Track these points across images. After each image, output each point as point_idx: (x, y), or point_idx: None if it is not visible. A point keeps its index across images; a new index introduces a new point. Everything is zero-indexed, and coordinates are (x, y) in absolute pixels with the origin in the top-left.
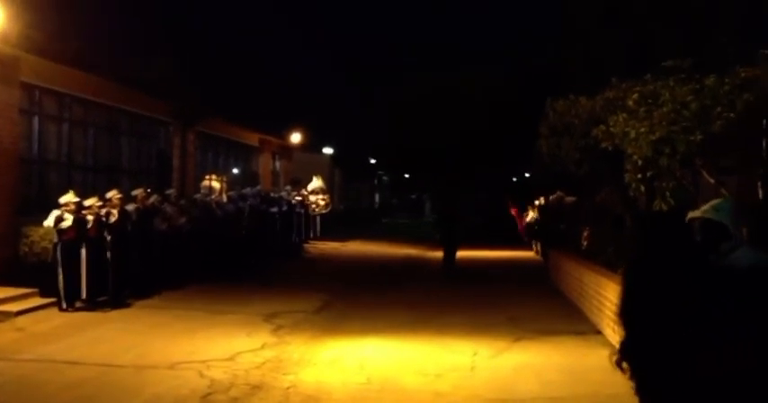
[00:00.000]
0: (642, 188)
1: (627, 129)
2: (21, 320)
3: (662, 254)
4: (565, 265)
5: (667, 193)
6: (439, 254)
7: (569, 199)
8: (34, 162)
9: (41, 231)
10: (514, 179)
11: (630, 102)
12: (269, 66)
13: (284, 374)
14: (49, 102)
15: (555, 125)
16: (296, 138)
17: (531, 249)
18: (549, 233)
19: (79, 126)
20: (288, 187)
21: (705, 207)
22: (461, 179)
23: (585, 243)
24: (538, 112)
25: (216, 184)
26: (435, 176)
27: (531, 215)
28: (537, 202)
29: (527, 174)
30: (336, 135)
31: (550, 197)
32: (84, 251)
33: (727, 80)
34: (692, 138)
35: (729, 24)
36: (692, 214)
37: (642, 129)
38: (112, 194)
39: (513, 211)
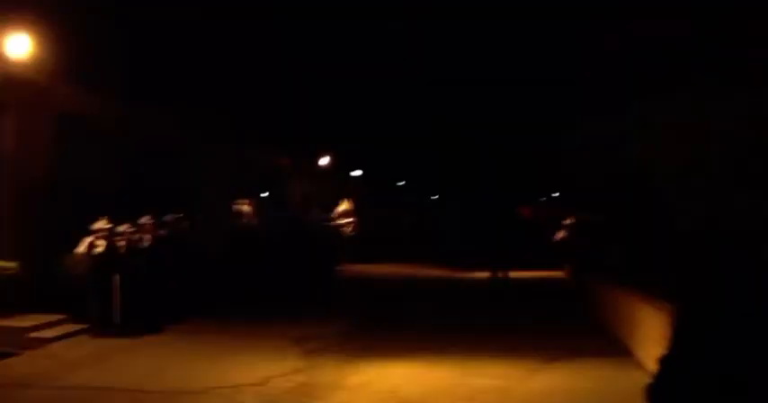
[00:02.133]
0: (673, 207)
1: (657, 148)
2: (53, 347)
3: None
4: (595, 286)
5: (695, 213)
6: (468, 275)
7: (598, 218)
8: (67, 188)
9: (75, 257)
10: (543, 199)
11: (660, 120)
12: (295, 88)
13: (315, 399)
14: (82, 129)
15: (582, 144)
16: (325, 160)
17: (560, 269)
18: (578, 253)
19: (111, 152)
20: (317, 210)
21: None
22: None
23: (615, 262)
24: (568, 132)
25: (246, 208)
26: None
27: (560, 234)
28: (566, 222)
29: (556, 194)
30: (365, 157)
31: (579, 216)
32: (117, 277)
33: (760, 96)
34: (724, 156)
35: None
36: None
37: (672, 148)
38: (145, 220)
39: (526, 213)
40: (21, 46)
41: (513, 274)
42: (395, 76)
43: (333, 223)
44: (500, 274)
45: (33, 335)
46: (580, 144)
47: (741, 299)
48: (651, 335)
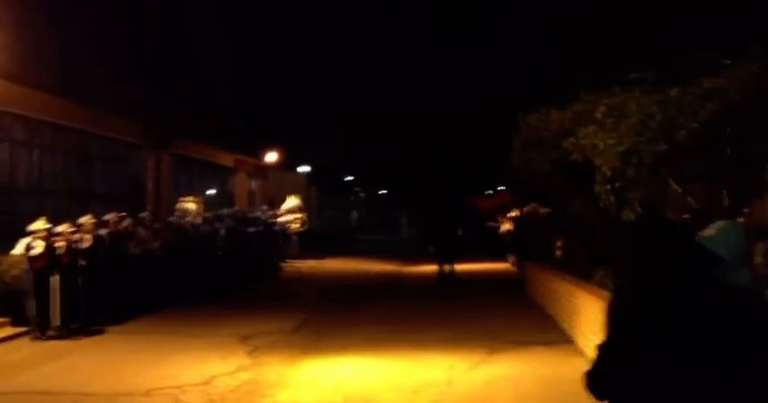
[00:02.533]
0: (612, 198)
1: (595, 141)
2: None
3: (666, 265)
4: (539, 276)
5: (636, 203)
6: (415, 269)
7: (543, 210)
8: (4, 190)
9: (12, 259)
10: (489, 192)
11: (599, 115)
12: (240, 87)
13: (261, 396)
14: (19, 128)
15: (527, 138)
16: (271, 157)
17: (506, 261)
18: (523, 244)
19: (50, 151)
20: (264, 207)
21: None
22: (451, 193)
23: (559, 253)
24: (512, 126)
25: (191, 206)
26: (416, 192)
27: (505, 227)
28: (511, 214)
29: (501, 188)
30: (312, 153)
31: (524, 209)
32: (56, 278)
33: (690, 90)
34: (658, 148)
35: (693, 35)
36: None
37: (610, 141)
38: (86, 220)
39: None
40: None
41: (460, 267)
42: (343, 70)
43: (280, 219)
44: (446, 267)
45: None
46: (529, 139)
47: (673, 286)
48: (591, 324)
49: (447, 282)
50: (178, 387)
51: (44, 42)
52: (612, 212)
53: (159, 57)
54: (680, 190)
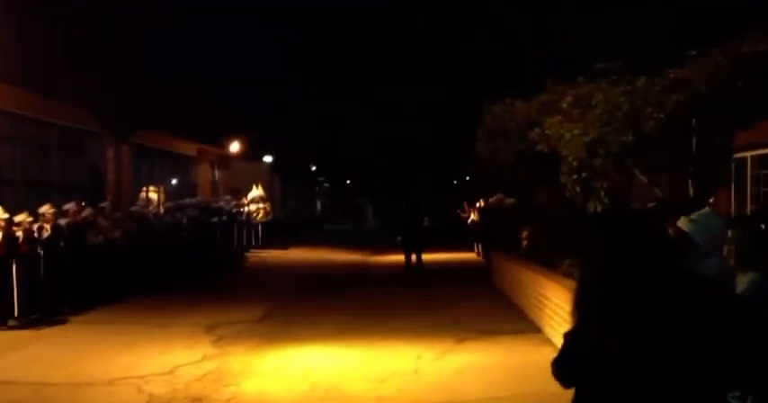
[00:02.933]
0: (578, 189)
1: (561, 132)
2: None
3: (632, 253)
4: (505, 266)
5: (602, 193)
6: (381, 258)
7: (509, 201)
8: None
9: None
10: (455, 182)
11: (565, 105)
12: (202, 75)
13: (225, 386)
14: None
15: (492, 129)
16: (234, 147)
17: (472, 251)
18: (489, 234)
19: (7, 141)
20: (227, 197)
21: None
22: (420, 183)
23: (525, 243)
24: (477, 116)
25: (153, 196)
26: (383, 182)
27: (471, 217)
28: (477, 204)
29: (467, 178)
30: (275, 143)
31: (490, 199)
32: (15, 268)
33: (657, 81)
34: (624, 138)
35: (658, 26)
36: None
37: (576, 131)
38: (45, 209)
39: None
40: None
41: (427, 257)
42: (309, 55)
43: (244, 209)
44: (414, 257)
45: None
46: (494, 130)
47: (641, 276)
48: (558, 312)
49: (414, 271)
50: (141, 377)
51: (2, 32)
52: (578, 203)
53: (119, 46)
54: (646, 180)
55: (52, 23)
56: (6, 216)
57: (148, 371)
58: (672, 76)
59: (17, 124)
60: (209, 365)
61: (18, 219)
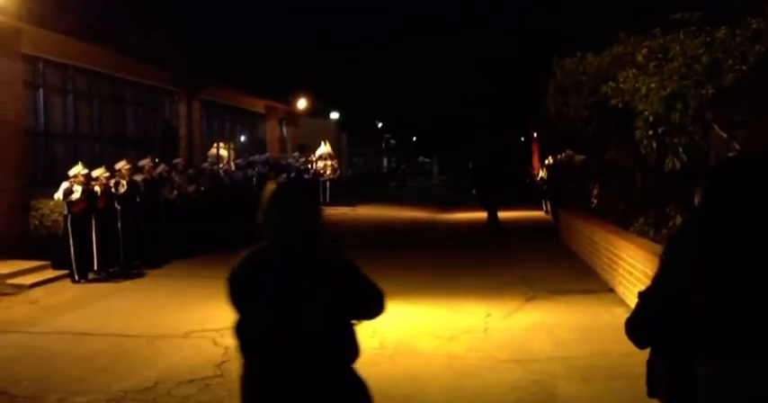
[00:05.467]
0: (654, 144)
1: (637, 85)
2: (34, 293)
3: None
4: (575, 224)
5: (680, 149)
6: (448, 216)
7: (579, 157)
8: (40, 134)
9: (51, 204)
10: (522, 139)
11: (640, 58)
12: (267, 32)
13: None
14: (53, 74)
15: (562, 83)
16: (302, 103)
17: (541, 209)
18: (558, 192)
19: (83, 97)
20: (295, 153)
21: None
22: (484, 140)
23: (596, 201)
24: (545, 72)
25: (223, 152)
26: (448, 139)
27: (540, 174)
28: (546, 162)
29: (535, 134)
30: (342, 99)
31: (559, 156)
32: (94, 222)
33: (738, 32)
34: (704, 92)
35: None
36: None
37: (652, 85)
38: (121, 165)
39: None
40: None
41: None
42: (370, 19)
43: (312, 166)
44: (491, 214)
45: (12, 281)
46: (564, 84)
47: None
48: (631, 272)
49: (487, 229)
50: (216, 330)
51: None
52: (652, 159)
53: (188, 5)
54: (725, 135)
55: None
56: (85, 171)
57: (223, 324)
58: (754, 25)
59: (93, 81)
60: None
61: (96, 174)
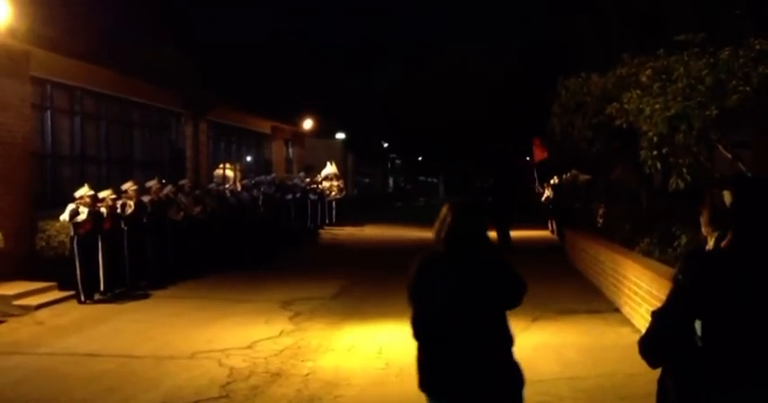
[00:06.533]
0: (658, 165)
1: (641, 106)
2: (40, 314)
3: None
4: (581, 244)
5: (684, 170)
6: None
7: (584, 177)
8: (47, 156)
9: (57, 225)
10: (527, 158)
11: (644, 78)
12: (274, 53)
13: (303, 361)
14: (60, 97)
15: (567, 103)
16: (308, 124)
17: (546, 228)
18: (564, 211)
19: (91, 119)
20: (301, 174)
21: None
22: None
23: (601, 221)
24: (549, 91)
25: (230, 173)
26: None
27: (545, 194)
28: (551, 181)
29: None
30: (348, 120)
31: (564, 176)
32: (100, 243)
33: (741, 53)
34: (708, 113)
35: None
36: None
37: (657, 106)
38: (128, 186)
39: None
40: None
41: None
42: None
43: (318, 186)
44: (503, 233)
45: (19, 302)
46: (568, 104)
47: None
48: (637, 292)
49: (504, 246)
50: (222, 350)
51: (85, 14)
52: (657, 179)
53: (196, 26)
54: (729, 156)
55: (131, 6)
56: (91, 193)
57: (228, 345)
58: (758, 46)
59: (101, 103)
60: (287, 341)
61: (102, 195)
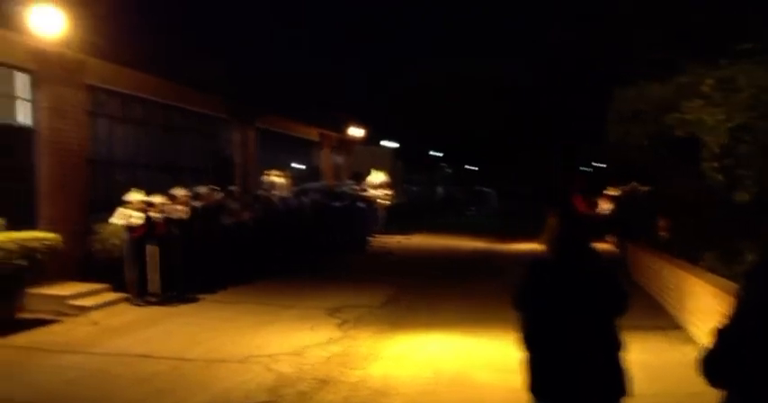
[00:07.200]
0: (720, 176)
1: (703, 117)
2: (95, 314)
3: None
4: (642, 258)
5: (749, 182)
6: (506, 246)
7: (643, 188)
8: (101, 162)
9: (111, 228)
10: (583, 169)
11: (706, 88)
12: (325, 60)
13: (351, 369)
14: (113, 104)
15: (623, 113)
16: (356, 132)
17: (606, 241)
18: (624, 224)
19: (141, 126)
20: (350, 181)
21: None
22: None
23: (663, 234)
24: (606, 99)
25: (278, 180)
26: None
27: (603, 206)
28: (611, 193)
29: (595, 164)
30: (398, 127)
31: (624, 187)
32: (153, 248)
33: None
34: None
35: None
36: None
37: (719, 116)
38: (179, 192)
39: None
40: (52, 20)
41: None
42: (429, 41)
43: (367, 194)
44: None
45: (74, 302)
46: (625, 113)
47: None
48: (701, 309)
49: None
50: (270, 356)
51: (135, 23)
52: (720, 191)
53: (246, 34)
54: None
55: (180, 15)
56: (142, 197)
57: (276, 350)
58: None
59: (151, 110)
60: (335, 348)
61: (155, 200)
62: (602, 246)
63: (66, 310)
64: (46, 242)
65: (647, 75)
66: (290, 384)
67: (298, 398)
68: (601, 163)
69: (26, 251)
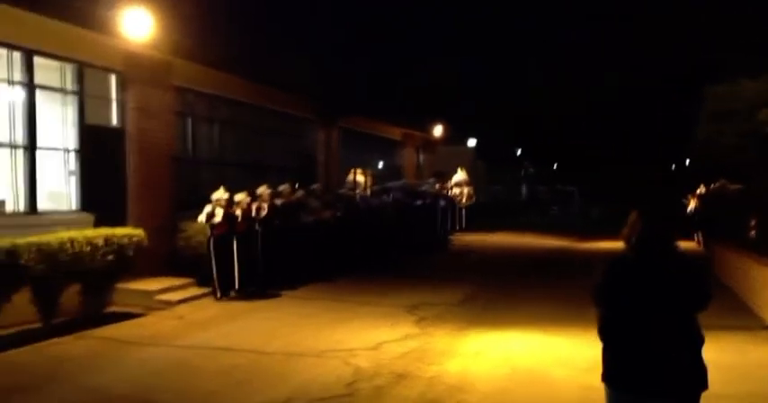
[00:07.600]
0: None
1: None
2: (180, 309)
3: None
4: (730, 257)
5: None
6: (588, 245)
7: (733, 187)
8: (187, 160)
9: (196, 226)
10: (673, 167)
11: None
12: (407, 60)
13: (428, 364)
14: (200, 104)
15: (714, 110)
16: (438, 131)
17: (692, 239)
18: (711, 223)
19: (227, 125)
20: (431, 180)
21: None
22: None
23: (753, 233)
24: (694, 97)
25: (360, 178)
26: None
27: (691, 204)
28: (697, 191)
29: (687, 162)
30: (480, 126)
31: (712, 185)
32: (235, 244)
33: None
34: None
35: None
36: None
37: None
38: (262, 190)
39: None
40: (142, 23)
41: None
42: (511, 41)
43: (448, 192)
44: None
45: (161, 297)
46: (719, 111)
47: None
48: None
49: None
50: (348, 350)
51: (221, 25)
52: None
53: (330, 36)
54: None
55: (265, 17)
56: (227, 196)
57: (354, 345)
58: None
59: (236, 110)
60: (412, 344)
61: (237, 198)
62: (686, 244)
63: (154, 304)
64: (134, 238)
65: (739, 72)
66: (367, 378)
67: (374, 392)
68: (685, 161)
69: (115, 247)
